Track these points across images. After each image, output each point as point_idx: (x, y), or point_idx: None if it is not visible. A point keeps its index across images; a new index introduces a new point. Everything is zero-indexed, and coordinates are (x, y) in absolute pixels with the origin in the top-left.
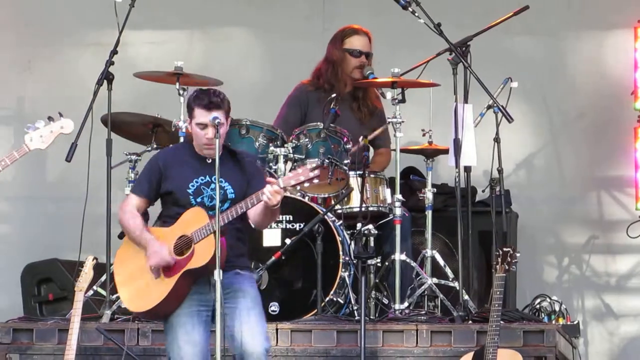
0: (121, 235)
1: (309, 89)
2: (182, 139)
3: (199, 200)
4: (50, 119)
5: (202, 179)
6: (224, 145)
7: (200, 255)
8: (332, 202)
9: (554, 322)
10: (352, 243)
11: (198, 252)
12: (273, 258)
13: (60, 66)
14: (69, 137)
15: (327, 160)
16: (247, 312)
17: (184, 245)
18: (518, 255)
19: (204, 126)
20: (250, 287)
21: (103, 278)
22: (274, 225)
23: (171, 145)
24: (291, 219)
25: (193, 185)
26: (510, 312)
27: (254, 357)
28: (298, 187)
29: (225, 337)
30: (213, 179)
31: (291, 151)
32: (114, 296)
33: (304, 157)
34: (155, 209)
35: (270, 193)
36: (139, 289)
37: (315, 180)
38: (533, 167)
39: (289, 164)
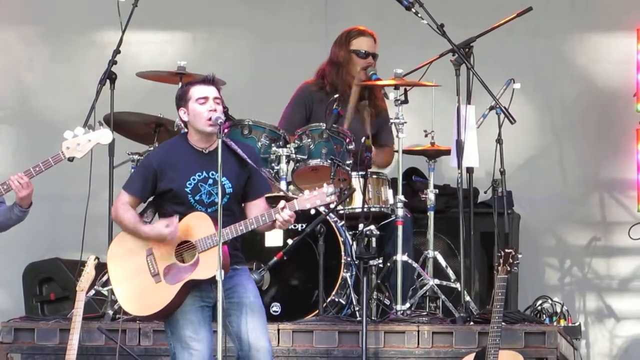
0: None
1: (312, 89)
2: None
3: (197, 198)
4: (89, 127)
5: (199, 175)
6: (222, 140)
7: (206, 267)
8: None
9: (555, 323)
10: (354, 244)
11: (203, 262)
12: (275, 258)
13: (63, 65)
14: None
15: (329, 161)
16: (250, 308)
17: (186, 251)
18: (520, 256)
19: (204, 100)
20: (248, 281)
21: (105, 278)
22: None
23: (164, 142)
24: None
25: (190, 184)
26: (511, 313)
27: (261, 353)
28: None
29: (229, 336)
30: (210, 174)
31: (294, 152)
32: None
33: (306, 157)
34: None
35: (288, 216)
36: (138, 291)
37: (332, 205)
38: (535, 168)
39: (292, 165)
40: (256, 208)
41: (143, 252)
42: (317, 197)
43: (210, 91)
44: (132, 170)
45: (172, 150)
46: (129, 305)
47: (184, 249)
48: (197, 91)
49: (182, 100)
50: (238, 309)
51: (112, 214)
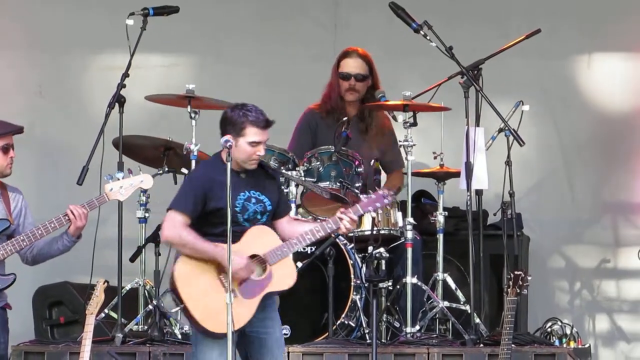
0: (132, 259)
1: (316, 113)
2: (193, 163)
3: (245, 216)
4: (130, 171)
5: (243, 195)
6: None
7: (281, 279)
8: None
9: (565, 345)
10: (364, 266)
11: (277, 275)
12: None
13: (71, 89)
14: (82, 160)
15: (338, 184)
16: (277, 345)
17: (256, 265)
18: (529, 278)
19: (257, 144)
20: (276, 315)
21: (114, 301)
22: None
23: (203, 162)
24: None
25: (239, 203)
26: (521, 335)
27: None
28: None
29: None
30: (252, 193)
31: (303, 174)
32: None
33: (315, 180)
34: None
35: (349, 223)
36: (215, 308)
37: (388, 205)
38: (544, 190)
39: (301, 188)
40: (282, 225)
41: (212, 269)
42: (376, 200)
43: (264, 137)
44: (141, 193)
45: (215, 170)
46: (208, 324)
47: (254, 262)
48: (253, 133)
49: (234, 129)
50: (264, 344)
51: (167, 236)
